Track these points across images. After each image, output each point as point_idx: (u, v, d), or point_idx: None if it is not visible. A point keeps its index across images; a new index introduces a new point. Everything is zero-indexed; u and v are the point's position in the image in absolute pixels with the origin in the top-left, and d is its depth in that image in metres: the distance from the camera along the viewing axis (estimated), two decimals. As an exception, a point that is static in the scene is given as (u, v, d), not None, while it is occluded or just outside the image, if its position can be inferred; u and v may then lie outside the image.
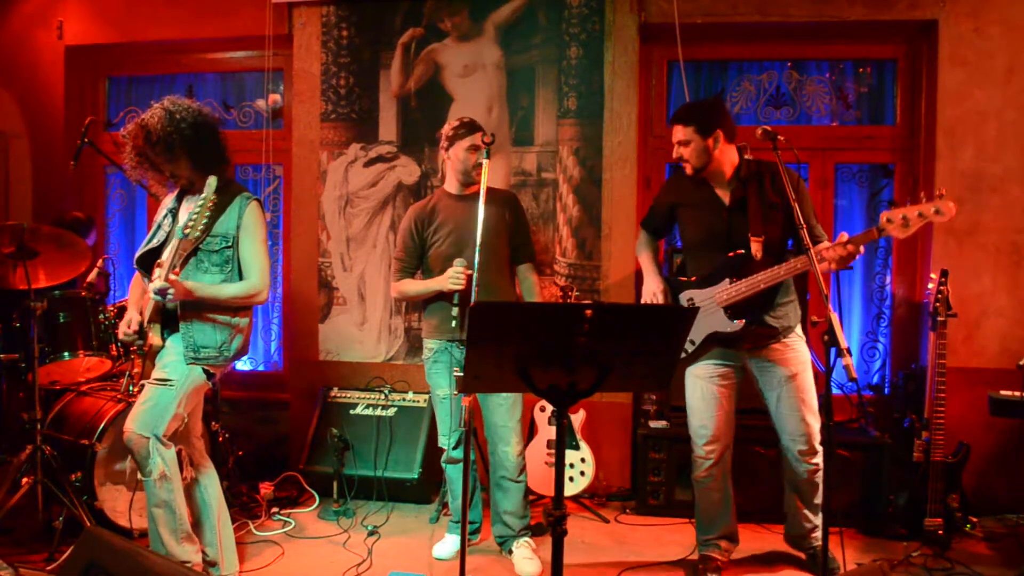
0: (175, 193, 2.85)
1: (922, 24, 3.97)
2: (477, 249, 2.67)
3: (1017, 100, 3.84)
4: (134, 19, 4.60)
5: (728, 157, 2.90)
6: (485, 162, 2.78)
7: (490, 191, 3.24)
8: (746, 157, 2.92)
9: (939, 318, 3.14)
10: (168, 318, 2.71)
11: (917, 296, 4.10)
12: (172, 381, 2.63)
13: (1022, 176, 3.85)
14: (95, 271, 3.76)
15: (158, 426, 2.57)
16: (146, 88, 4.92)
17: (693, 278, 2.99)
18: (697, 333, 2.92)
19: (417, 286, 3.21)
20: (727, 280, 2.85)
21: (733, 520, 3.08)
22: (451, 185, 3.24)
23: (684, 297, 2.98)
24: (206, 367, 2.69)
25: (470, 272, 2.90)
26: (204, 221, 2.52)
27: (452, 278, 3.01)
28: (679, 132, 2.89)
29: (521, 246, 3.26)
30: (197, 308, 2.67)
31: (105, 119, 4.91)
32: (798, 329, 2.95)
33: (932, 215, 2.52)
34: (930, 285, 3.23)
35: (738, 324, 2.84)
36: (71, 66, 4.76)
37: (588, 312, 1.76)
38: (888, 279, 4.27)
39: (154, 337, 2.68)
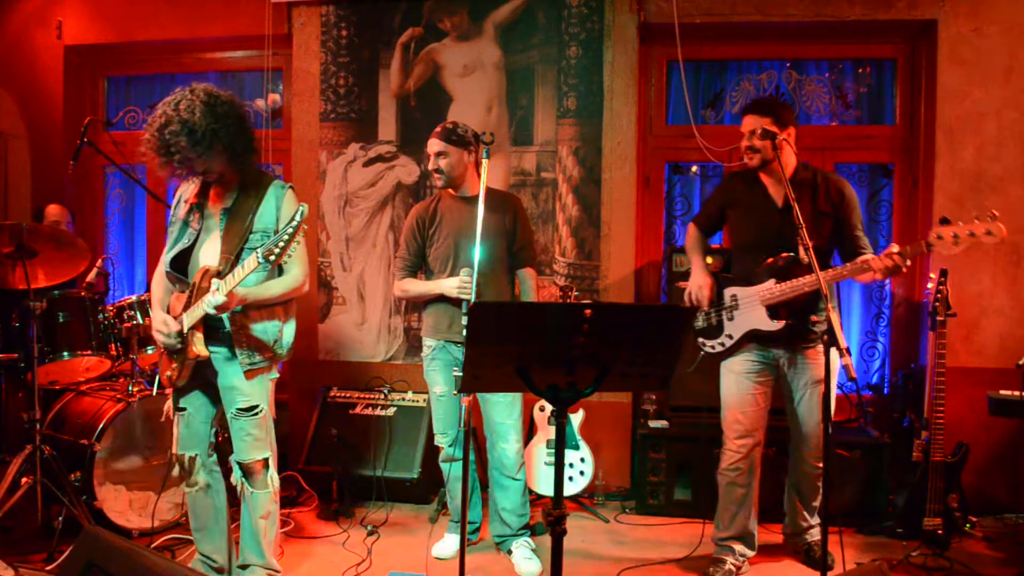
0: (196, 188, 2.68)
1: (922, 24, 3.97)
2: (474, 249, 2.66)
3: (1017, 100, 3.84)
4: (133, 19, 4.60)
5: (788, 159, 2.94)
6: (485, 162, 2.76)
7: (492, 193, 3.24)
8: (803, 163, 2.99)
9: (939, 318, 3.14)
10: (209, 328, 2.61)
11: (917, 296, 4.10)
12: (258, 407, 2.69)
13: (1022, 176, 3.85)
14: (94, 271, 3.76)
15: (268, 448, 2.76)
16: (146, 88, 4.93)
17: (739, 276, 3.03)
18: (737, 329, 2.98)
19: (421, 287, 3.21)
20: (772, 280, 2.90)
21: (751, 520, 3.06)
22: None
23: (728, 293, 3.03)
24: (268, 370, 2.71)
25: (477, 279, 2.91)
26: (292, 248, 2.34)
27: (460, 287, 2.98)
28: (753, 122, 2.91)
29: (521, 250, 3.24)
30: (242, 323, 2.60)
31: (104, 119, 4.89)
32: None
33: (983, 235, 2.56)
34: (929, 285, 3.23)
35: (778, 324, 2.89)
36: (70, 66, 4.76)
37: (588, 312, 1.76)
38: (888, 279, 4.27)
39: (199, 348, 2.57)
